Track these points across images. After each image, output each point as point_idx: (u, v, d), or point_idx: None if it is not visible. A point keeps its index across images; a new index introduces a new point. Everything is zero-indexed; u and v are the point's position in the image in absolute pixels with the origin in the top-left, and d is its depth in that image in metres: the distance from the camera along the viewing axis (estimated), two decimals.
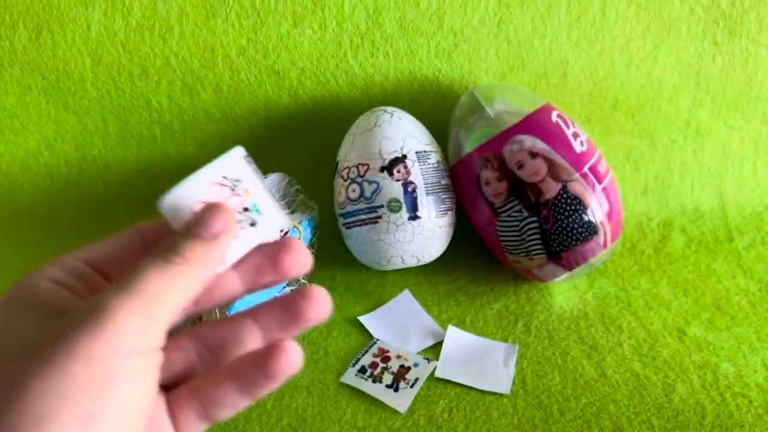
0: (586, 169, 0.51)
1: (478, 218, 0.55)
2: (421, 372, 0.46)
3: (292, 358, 0.22)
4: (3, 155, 0.69)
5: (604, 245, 0.52)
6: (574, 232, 0.51)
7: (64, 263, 0.22)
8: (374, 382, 0.45)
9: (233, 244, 0.23)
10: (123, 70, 0.64)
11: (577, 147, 0.52)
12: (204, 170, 0.23)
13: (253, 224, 0.23)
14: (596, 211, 0.51)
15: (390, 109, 0.57)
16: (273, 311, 0.23)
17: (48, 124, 0.67)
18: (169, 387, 0.23)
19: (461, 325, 0.52)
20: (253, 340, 0.23)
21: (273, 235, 0.24)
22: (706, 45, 0.63)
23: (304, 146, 0.66)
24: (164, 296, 0.20)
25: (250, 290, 0.24)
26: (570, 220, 0.50)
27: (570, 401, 0.44)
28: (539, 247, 0.52)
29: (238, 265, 0.23)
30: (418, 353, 0.49)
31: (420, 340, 0.50)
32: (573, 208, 0.50)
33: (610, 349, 0.49)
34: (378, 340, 0.50)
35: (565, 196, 0.50)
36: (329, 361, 0.48)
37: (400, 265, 0.56)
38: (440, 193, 0.55)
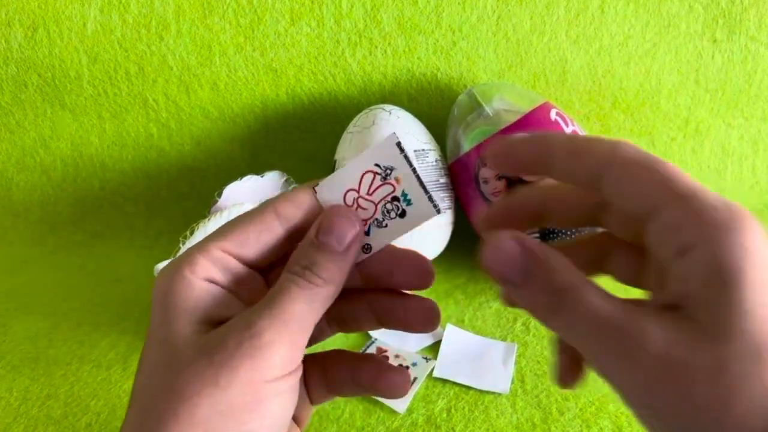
0: None
1: (476, 217, 0.55)
2: (419, 371, 0.46)
3: (399, 391, 0.25)
4: None
5: None
6: (574, 230, 0.50)
7: (212, 256, 0.22)
8: None
9: (379, 233, 0.23)
10: (119, 68, 0.64)
11: None
12: (359, 158, 0.23)
13: (402, 215, 0.23)
14: None
15: (388, 107, 0.57)
16: (383, 301, 0.25)
17: (44, 122, 0.67)
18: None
19: (460, 323, 0.52)
20: (368, 323, 0.26)
21: (420, 224, 0.23)
22: (705, 43, 0.63)
23: (301, 144, 0.66)
24: (309, 321, 0.21)
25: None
26: None
27: (569, 401, 0.44)
28: None
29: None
30: (417, 352, 0.48)
31: (419, 340, 0.50)
32: None
33: None
34: (376, 339, 0.50)
35: None
36: None
37: None
38: (438, 192, 0.54)
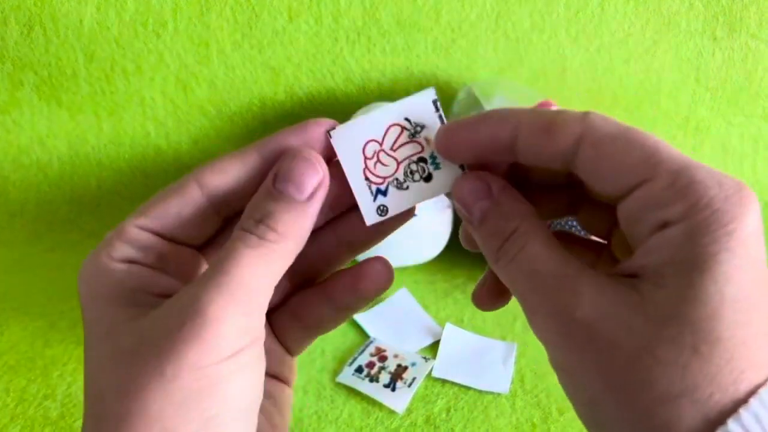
0: None
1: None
2: (418, 371, 0.46)
3: (384, 280, 0.22)
4: None
5: None
6: (574, 228, 0.50)
7: (128, 236, 0.20)
8: (371, 381, 0.45)
9: (398, 195, 0.21)
10: (116, 66, 0.63)
11: None
12: (388, 107, 0.20)
13: (428, 178, 0.21)
14: None
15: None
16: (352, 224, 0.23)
17: (40, 120, 0.66)
18: (269, 311, 0.22)
19: (459, 323, 0.51)
20: (338, 254, 0.23)
21: (446, 191, 0.21)
22: (706, 40, 0.63)
23: None
24: (264, 285, 0.19)
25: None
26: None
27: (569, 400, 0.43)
28: None
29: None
30: (416, 352, 0.48)
31: (418, 339, 0.50)
32: None
33: None
34: (375, 339, 0.50)
35: None
36: (325, 361, 0.48)
37: (398, 264, 0.55)
38: None
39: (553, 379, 0.45)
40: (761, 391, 0.15)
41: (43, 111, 0.66)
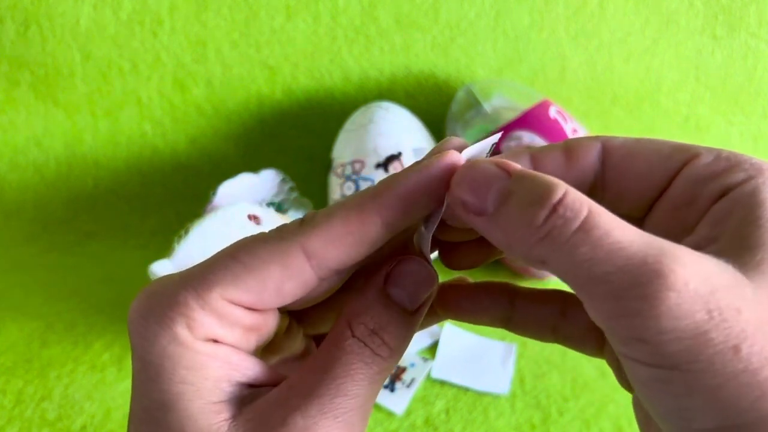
0: None
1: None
2: (417, 372, 0.45)
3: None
4: None
5: None
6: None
7: (215, 310, 0.16)
8: None
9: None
10: (113, 65, 0.63)
11: None
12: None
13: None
14: None
15: (385, 104, 0.56)
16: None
17: (36, 120, 0.66)
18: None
19: (458, 323, 0.51)
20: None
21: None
22: (706, 39, 0.63)
23: (297, 142, 0.65)
24: (371, 405, 0.18)
25: None
26: None
27: (569, 401, 0.43)
28: None
29: None
30: (416, 353, 0.48)
31: (416, 340, 0.49)
32: None
33: None
34: None
35: None
36: None
37: None
38: None
39: (552, 379, 0.45)
40: None
41: (39, 110, 0.66)
